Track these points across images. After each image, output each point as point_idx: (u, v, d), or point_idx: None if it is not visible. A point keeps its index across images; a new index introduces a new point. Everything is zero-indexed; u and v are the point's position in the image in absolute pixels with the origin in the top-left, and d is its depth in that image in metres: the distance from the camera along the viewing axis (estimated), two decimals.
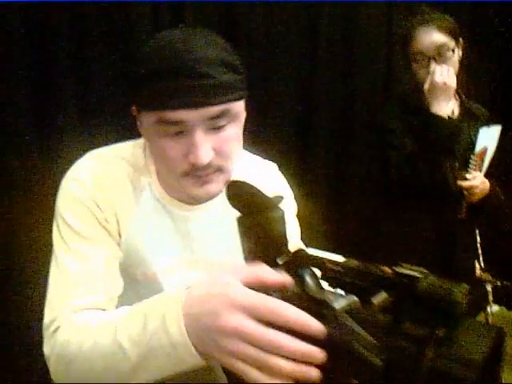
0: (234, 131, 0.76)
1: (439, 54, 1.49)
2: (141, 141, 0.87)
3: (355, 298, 0.57)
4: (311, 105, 2.14)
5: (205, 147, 0.71)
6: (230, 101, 0.72)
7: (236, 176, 0.79)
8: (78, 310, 0.72)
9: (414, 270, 0.49)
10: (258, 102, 1.84)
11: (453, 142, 1.50)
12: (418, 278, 0.48)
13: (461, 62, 1.56)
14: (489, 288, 1.69)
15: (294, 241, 0.98)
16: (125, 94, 1.53)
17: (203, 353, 0.54)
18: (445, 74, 1.47)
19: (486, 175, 1.60)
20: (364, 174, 2.07)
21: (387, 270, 0.51)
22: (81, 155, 0.85)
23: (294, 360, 0.49)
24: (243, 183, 0.68)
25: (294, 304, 0.52)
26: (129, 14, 1.54)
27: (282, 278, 0.54)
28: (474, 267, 1.71)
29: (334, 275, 0.55)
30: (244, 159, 0.91)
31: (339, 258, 0.56)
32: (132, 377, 0.59)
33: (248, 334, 0.50)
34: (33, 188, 1.39)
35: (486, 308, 1.70)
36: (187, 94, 0.67)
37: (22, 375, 1.43)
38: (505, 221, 1.83)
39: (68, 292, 0.74)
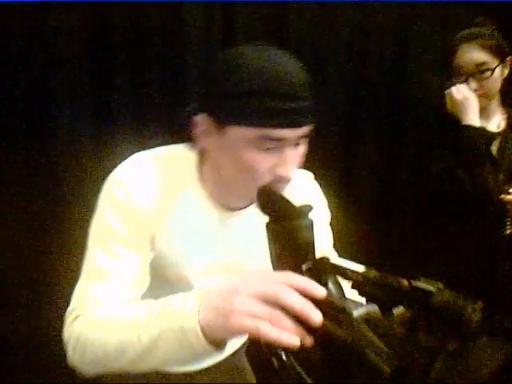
0: (304, 147, 0.81)
1: (477, 73, 1.48)
2: (191, 147, 0.90)
3: (376, 308, 0.60)
4: (358, 111, 2.13)
5: (292, 163, 0.77)
6: (315, 121, 0.78)
7: None
8: (99, 302, 0.76)
9: (429, 284, 0.51)
10: None
11: (488, 151, 1.47)
12: (432, 292, 0.49)
13: (507, 78, 1.52)
14: None
15: (326, 249, 1.01)
16: (176, 96, 1.60)
17: (211, 333, 0.58)
18: (462, 91, 1.48)
19: None
20: (408, 188, 2.04)
21: (404, 282, 0.53)
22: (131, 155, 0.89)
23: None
24: (273, 191, 0.72)
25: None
26: (180, 15, 1.58)
27: (324, 293, 0.56)
28: None
29: (354, 284, 0.58)
30: None
31: (360, 268, 0.58)
32: (142, 360, 0.63)
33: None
34: (85, 186, 1.46)
35: None
36: (292, 115, 0.72)
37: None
38: None
39: (93, 285, 0.78)
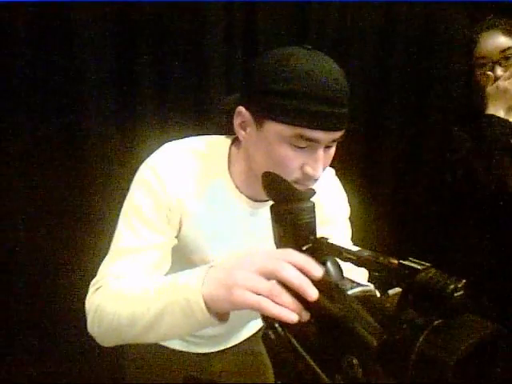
0: (334, 150, 0.85)
1: (504, 58, 1.45)
2: (221, 139, 0.95)
3: (371, 288, 0.62)
4: (382, 109, 2.12)
5: (322, 163, 0.80)
6: (348, 127, 0.81)
7: None
8: (120, 277, 0.81)
9: (417, 264, 0.53)
10: None
11: (509, 143, 1.43)
12: (418, 269, 0.51)
13: None
14: None
15: (344, 242, 1.03)
16: (198, 91, 1.64)
17: (214, 305, 0.62)
18: (510, 81, 1.42)
19: None
20: (429, 182, 2.03)
21: (394, 261, 0.55)
22: (156, 148, 0.93)
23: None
24: (277, 175, 0.75)
25: None
26: (202, 13, 1.61)
27: (321, 273, 0.59)
28: None
29: (349, 262, 0.61)
30: None
31: (355, 248, 0.61)
32: (151, 330, 0.67)
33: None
34: (112, 178, 1.52)
35: None
36: (329, 119, 0.76)
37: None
38: None
39: (117, 261, 0.84)
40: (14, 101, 1.39)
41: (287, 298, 0.57)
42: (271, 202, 0.92)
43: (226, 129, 0.89)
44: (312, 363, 0.58)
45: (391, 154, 2.16)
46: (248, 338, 1.24)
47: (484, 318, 0.51)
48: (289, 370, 0.66)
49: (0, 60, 1.35)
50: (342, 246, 0.62)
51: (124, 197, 0.91)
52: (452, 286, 0.48)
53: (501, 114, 1.46)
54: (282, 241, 0.70)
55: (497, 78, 1.45)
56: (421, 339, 0.49)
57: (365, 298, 0.59)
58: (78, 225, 1.51)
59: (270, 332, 0.61)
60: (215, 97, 1.63)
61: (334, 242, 0.63)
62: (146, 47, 1.54)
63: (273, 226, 0.71)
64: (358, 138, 2.06)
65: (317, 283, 0.59)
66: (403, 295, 0.54)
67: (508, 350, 0.52)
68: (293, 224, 0.68)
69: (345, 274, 0.65)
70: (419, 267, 0.52)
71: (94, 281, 0.83)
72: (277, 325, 0.59)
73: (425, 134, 2.11)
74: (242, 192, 0.93)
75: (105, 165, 1.52)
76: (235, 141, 0.92)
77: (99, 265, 0.86)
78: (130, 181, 0.91)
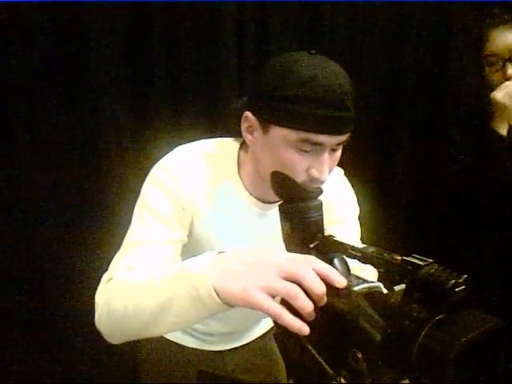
0: (340, 152, 0.86)
1: None
2: (231, 141, 0.97)
3: (377, 285, 0.63)
4: (394, 110, 2.11)
5: (327, 166, 0.81)
6: (353, 130, 0.82)
7: None
8: (131, 269, 0.82)
9: (420, 260, 0.54)
10: None
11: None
12: (420, 265, 0.53)
13: None
14: None
15: (353, 241, 1.04)
16: (211, 95, 1.66)
17: (226, 297, 0.59)
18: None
19: None
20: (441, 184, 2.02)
21: (397, 257, 0.57)
22: (169, 151, 0.95)
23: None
24: (285, 175, 0.77)
25: None
26: (214, 18, 1.62)
27: (345, 281, 0.58)
28: None
29: (355, 259, 0.62)
30: None
31: (360, 245, 0.62)
32: (158, 319, 0.66)
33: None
34: (127, 179, 1.54)
35: None
36: (333, 123, 0.77)
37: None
38: None
39: (128, 253, 0.85)
40: (32, 106, 1.42)
41: (304, 302, 0.56)
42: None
43: (236, 132, 0.91)
44: (318, 358, 0.59)
45: (403, 154, 2.15)
46: (261, 336, 1.25)
47: (486, 312, 0.52)
48: (300, 368, 0.67)
49: (18, 67, 1.39)
50: (347, 243, 0.63)
51: (137, 197, 0.93)
52: (453, 281, 0.49)
53: (503, 129, 1.42)
54: (290, 238, 0.71)
55: (508, 78, 1.41)
56: (423, 334, 0.50)
57: (370, 294, 0.61)
58: (95, 223, 1.54)
59: (276, 327, 0.62)
60: (227, 101, 1.64)
61: (341, 240, 0.64)
62: (160, 53, 1.56)
63: (281, 224, 0.73)
64: (369, 140, 2.06)
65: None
66: (406, 290, 0.55)
67: (509, 344, 0.53)
68: (301, 222, 0.70)
69: (356, 273, 0.66)
70: (422, 263, 0.53)
71: (105, 275, 0.85)
72: None
73: (438, 135, 2.10)
74: (251, 194, 0.95)
75: (120, 167, 1.55)
76: (244, 144, 0.94)
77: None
78: (143, 182, 0.93)
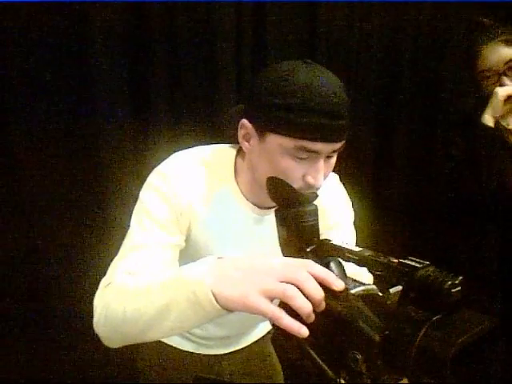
0: (335, 159, 0.87)
1: (510, 69, 1.42)
2: (228, 148, 0.98)
3: (373, 287, 0.65)
4: (392, 112, 2.14)
5: (323, 173, 0.82)
6: (347, 137, 0.84)
7: None
8: (130, 273, 0.83)
9: (416, 262, 0.55)
10: None
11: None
12: (417, 267, 0.54)
13: None
14: None
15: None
16: (209, 100, 1.66)
17: (224, 303, 0.60)
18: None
19: None
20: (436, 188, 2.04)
21: (394, 260, 0.58)
22: (167, 156, 0.96)
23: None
24: (282, 180, 0.78)
25: None
26: (212, 13, 1.63)
27: (343, 284, 0.60)
28: None
29: (352, 262, 0.63)
30: None
31: (356, 248, 0.63)
32: (157, 323, 0.67)
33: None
34: (125, 184, 1.54)
35: None
36: (328, 131, 0.78)
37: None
38: None
39: (127, 257, 0.85)
40: (31, 109, 1.42)
41: (302, 301, 0.57)
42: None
43: (233, 138, 0.92)
44: (318, 360, 0.60)
45: (400, 158, 2.17)
46: (257, 341, 1.26)
47: (482, 313, 0.54)
48: (298, 371, 0.68)
49: (18, 70, 1.38)
50: (344, 246, 0.64)
51: (136, 203, 0.94)
52: (450, 283, 0.51)
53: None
54: (286, 243, 0.72)
55: None
56: (421, 334, 0.51)
57: (367, 297, 0.62)
58: (94, 227, 1.54)
59: (275, 328, 0.63)
60: (225, 106, 1.66)
61: (337, 243, 0.65)
62: (158, 58, 1.56)
63: (278, 229, 0.74)
64: (366, 143, 2.08)
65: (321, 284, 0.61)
66: (403, 292, 0.56)
67: (506, 344, 0.55)
68: (297, 226, 0.71)
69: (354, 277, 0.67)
70: (418, 265, 0.54)
71: (103, 279, 0.85)
72: None
73: (434, 138, 2.13)
74: (248, 199, 0.96)
75: (118, 172, 1.55)
76: (240, 150, 0.95)
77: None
78: (142, 187, 0.94)
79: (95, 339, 0.82)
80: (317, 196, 0.79)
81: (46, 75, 1.41)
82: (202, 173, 0.93)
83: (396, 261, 0.57)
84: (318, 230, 0.71)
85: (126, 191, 1.51)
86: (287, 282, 0.58)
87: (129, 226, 0.91)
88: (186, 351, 1.16)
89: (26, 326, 1.49)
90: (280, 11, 1.77)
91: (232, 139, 0.92)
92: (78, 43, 1.43)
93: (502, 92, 1.41)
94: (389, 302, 0.60)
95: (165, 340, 1.16)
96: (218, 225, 0.95)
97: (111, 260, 0.89)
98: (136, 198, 0.93)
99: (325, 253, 0.66)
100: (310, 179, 0.81)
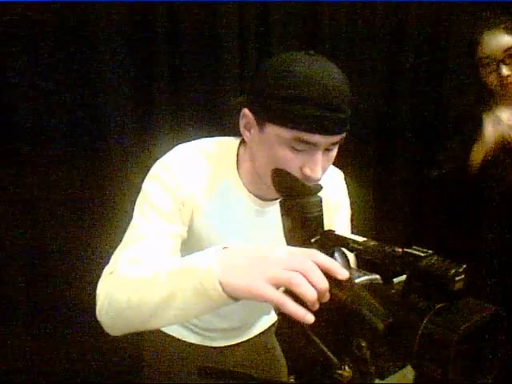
0: (335, 152, 0.88)
1: (509, 57, 1.44)
2: (231, 140, 0.99)
3: (376, 277, 0.66)
4: (393, 110, 2.15)
5: (321, 165, 0.82)
6: (348, 130, 0.84)
7: None
8: (133, 261, 0.83)
9: (420, 251, 0.56)
10: None
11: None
12: (421, 256, 0.55)
13: None
14: None
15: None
16: (212, 94, 1.68)
17: (231, 291, 0.61)
18: None
19: None
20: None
21: (398, 249, 0.59)
22: (171, 148, 0.97)
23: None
24: (286, 171, 0.79)
25: None
26: (215, 12, 1.64)
27: (347, 273, 0.60)
28: None
29: (356, 253, 0.64)
30: None
31: (361, 239, 0.64)
32: (162, 311, 0.67)
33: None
34: (130, 176, 1.56)
35: None
36: (327, 123, 0.78)
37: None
38: None
39: (129, 245, 0.87)
40: (35, 106, 1.43)
41: (308, 288, 0.57)
42: (277, 202, 0.97)
43: (236, 129, 0.93)
44: (323, 347, 0.61)
45: (403, 154, 2.18)
46: (261, 333, 1.27)
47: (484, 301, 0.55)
48: (302, 361, 0.69)
49: (21, 66, 1.39)
50: (348, 236, 0.65)
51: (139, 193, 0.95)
52: (454, 271, 0.52)
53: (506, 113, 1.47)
54: (291, 234, 0.73)
55: (502, 77, 1.45)
56: (425, 320, 0.52)
57: (371, 286, 0.63)
58: (98, 218, 1.56)
59: (280, 317, 0.64)
60: (229, 101, 1.67)
61: (341, 234, 0.66)
62: (162, 53, 1.58)
63: (282, 220, 0.75)
64: (369, 140, 2.09)
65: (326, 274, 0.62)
66: (408, 281, 0.57)
67: (507, 332, 0.56)
68: (302, 217, 0.71)
69: None
70: (422, 254, 0.55)
71: (106, 267, 0.86)
72: None
73: (437, 134, 2.14)
74: (249, 191, 0.97)
75: (122, 164, 1.57)
76: (243, 142, 0.96)
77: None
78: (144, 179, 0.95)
79: (99, 330, 0.82)
80: (321, 187, 0.80)
81: (50, 70, 1.42)
82: (205, 164, 0.94)
83: (400, 250, 0.58)
84: (322, 221, 0.72)
85: (130, 182, 1.52)
86: (293, 271, 0.59)
87: (132, 216, 0.92)
88: (191, 343, 1.17)
89: (31, 316, 1.51)
90: (283, 4, 1.78)
91: (236, 130, 0.93)
92: (82, 38, 1.44)
93: (489, 134, 1.43)
94: (393, 291, 0.61)
95: (169, 332, 1.17)
96: (219, 216, 0.96)
97: (115, 249, 0.89)
98: (139, 189, 0.94)
99: (329, 243, 0.67)
100: (307, 171, 0.81)
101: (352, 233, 1.06)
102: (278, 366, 1.30)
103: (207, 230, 0.97)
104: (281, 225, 0.87)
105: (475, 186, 1.52)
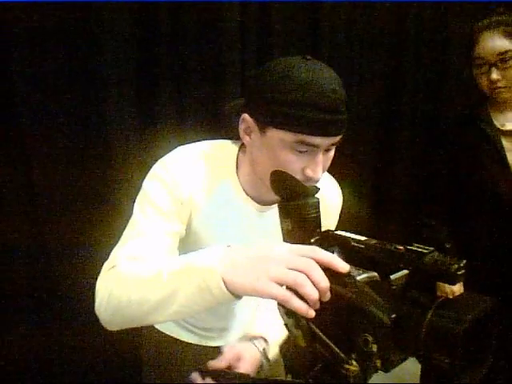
0: (333, 152, 0.90)
1: (502, 61, 1.42)
2: (231, 143, 1.00)
3: (375, 274, 0.68)
4: (394, 108, 2.19)
5: (322, 166, 0.86)
6: (346, 132, 0.87)
7: None
8: (132, 257, 0.85)
9: (422, 248, 0.59)
10: None
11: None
12: (423, 253, 0.58)
13: None
14: None
15: None
16: (214, 96, 1.70)
17: (235, 289, 0.63)
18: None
19: None
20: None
21: (400, 247, 0.61)
22: (173, 149, 0.99)
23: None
24: (285, 174, 0.81)
25: None
26: (218, 13, 1.66)
27: (348, 266, 0.63)
28: None
29: (357, 251, 0.66)
30: None
31: (361, 237, 0.66)
32: (162, 307, 0.69)
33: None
34: (132, 175, 1.57)
35: None
36: (327, 126, 0.81)
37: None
38: None
39: (129, 242, 0.89)
40: (39, 107, 1.42)
41: (311, 289, 0.60)
42: (275, 206, 0.98)
43: (235, 132, 0.94)
44: (329, 343, 0.63)
45: (403, 153, 2.24)
46: None
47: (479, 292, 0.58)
48: (301, 362, 0.71)
49: (25, 67, 1.37)
50: (349, 235, 0.68)
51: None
52: (456, 266, 0.55)
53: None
54: (290, 236, 0.75)
55: (492, 82, 1.45)
56: (430, 313, 0.55)
57: (372, 283, 0.65)
58: (100, 216, 1.57)
59: (283, 315, 0.65)
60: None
61: (342, 233, 0.68)
62: (164, 55, 1.58)
63: (281, 222, 0.76)
64: (369, 140, 2.12)
65: (330, 272, 0.64)
66: (411, 277, 0.60)
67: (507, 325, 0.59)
68: (301, 219, 0.73)
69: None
70: (425, 251, 0.58)
71: (106, 263, 0.87)
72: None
73: (436, 133, 2.18)
74: (248, 194, 0.99)
75: (125, 164, 1.58)
76: (242, 145, 0.98)
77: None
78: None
79: (98, 329, 0.83)
80: (318, 189, 0.82)
81: (53, 72, 1.42)
82: (204, 166, 0.95)
83: (402, 247, 0.61)
84: (320, 222, 0.74)
85: (131, 181, 1.54)
86: (295, 270, 0.61)
87: (132, 214, 0.93)
88: (188, 343, 1.18)
89: (30, 312, 1.51)
90: (284, 5, 1.81)
91: (233, 133, 0.95)
92: (85, 39, 1.44)
93: None
94: (394, 287, 0.64)
95: (166, 331, 1.17)
96: (217, 217, 0.97)
97: (114, 245, 0.91)
98: (140, 188, 0.95)
99: (330, 242, 0.69)
100: (309, 172, 0.84)
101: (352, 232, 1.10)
102: (276, 365, 1.31)
103: (205, 230, 0.98)
104: (279, 228, 0.89)
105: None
